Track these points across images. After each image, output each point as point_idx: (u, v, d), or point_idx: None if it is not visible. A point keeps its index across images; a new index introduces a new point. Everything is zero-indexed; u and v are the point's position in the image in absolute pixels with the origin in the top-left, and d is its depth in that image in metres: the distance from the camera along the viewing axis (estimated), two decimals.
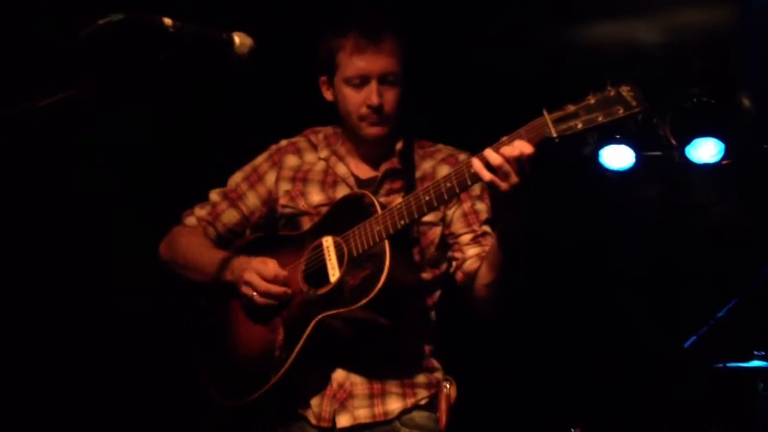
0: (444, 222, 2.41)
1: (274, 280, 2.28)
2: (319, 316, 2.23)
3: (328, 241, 2.27)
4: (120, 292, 3.74)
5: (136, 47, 1.72)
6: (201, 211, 2.57)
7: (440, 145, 2.55)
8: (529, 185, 2.01)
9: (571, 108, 1.96)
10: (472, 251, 2.35)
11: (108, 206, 3.73)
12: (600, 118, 1.94)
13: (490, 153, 1.99)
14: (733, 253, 4.73)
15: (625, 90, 1.94)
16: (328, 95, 2.48)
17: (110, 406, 3.69)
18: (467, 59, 4.57)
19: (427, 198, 2.13)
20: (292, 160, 2.53)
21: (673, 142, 4.97)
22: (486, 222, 2.40)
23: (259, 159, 2.57)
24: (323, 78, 2.47)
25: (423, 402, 2.36)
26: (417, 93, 2.49)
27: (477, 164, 2.02)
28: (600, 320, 5.04)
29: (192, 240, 2.52)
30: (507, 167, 1.97)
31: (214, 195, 2.57)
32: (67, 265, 3.60)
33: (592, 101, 1.95)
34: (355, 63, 2.35)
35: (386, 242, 2.17)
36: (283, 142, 2.58)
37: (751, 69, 4.60)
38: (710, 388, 4.36)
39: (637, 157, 5.03)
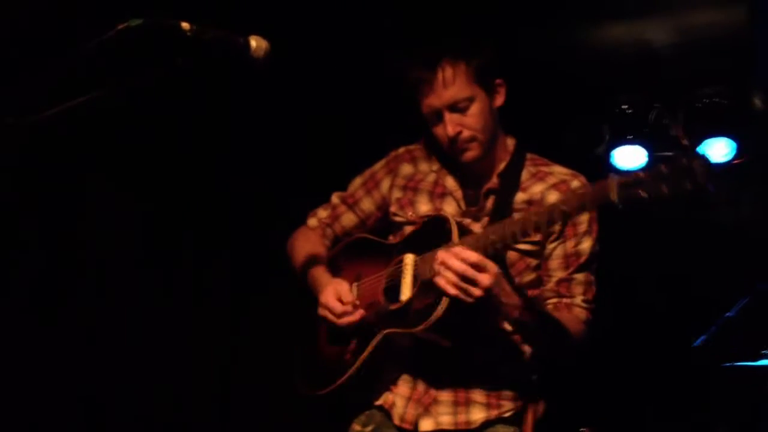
0: (543, 254, 2.39)
1: (345, 312, 2.36)
2: (385, 331, 2.31)
3: (409, 259, 2.31)
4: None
5: (155, 51, 1.76)
6: (323, 213, 2.69)
7: (555, 167, 2.50)
8: (490, 298, 2.07)
9: (640, 175, 1.95)
10: (550, 301, 2.39)
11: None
12: (665, 190, 1.90)
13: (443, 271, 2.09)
14: (744, 252, 4.74)
15: (698, 164, 1.88)
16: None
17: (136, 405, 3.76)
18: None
19: (492, 237, 2.14)
20: (406, 169, 2.58)
21: (686, 142, 4.98)
22: (582, 267, 2.39)
23: (378, 165, 2.65)
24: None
25: (507, 415, 2.35)
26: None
27: (441, 281, 2.10)
28: (610, 319, 5.05)
29: (305, 244, 2.64)
30: (462, 284, 2.06)
31: (335, 198, 2.69)
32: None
33: (664, 170, 1.92)
34: (424, 101, 2.39)
35: None
36: (402, 149, 2.64)
37: (762, 69, 4.60)
38: (719, 387, 4.37)
39: (649, 157, 5.04)
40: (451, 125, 2.34)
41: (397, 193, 2.55)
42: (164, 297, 3.88)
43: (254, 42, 1.92)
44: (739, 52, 4.54)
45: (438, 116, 2.37)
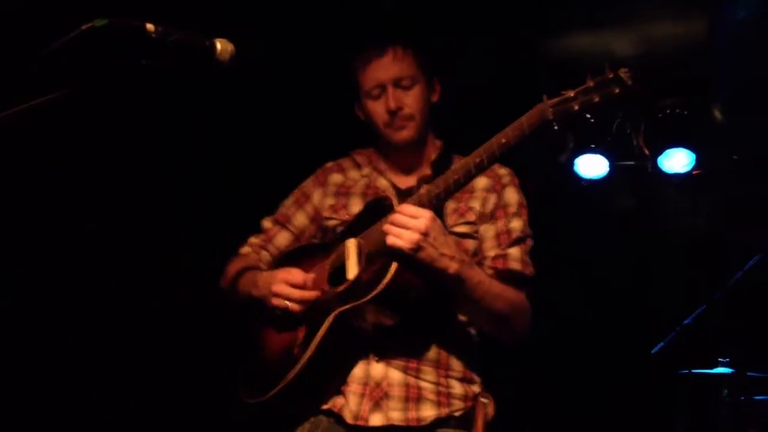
0: (477, 237, 2.42)
1: (304, 286, 2.33)
2: (335, 312, 2.27)
3: (350, 242, 2.31)
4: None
5: (119, 53, 1.76)
6: (255, 239, 2.67)
7: None
8: (423, 248, 2.09)
9: (570, 93, 2.03)
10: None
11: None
12: (596, 99, 2.00)
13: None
14: (702, 262, 4.81)
15: (623, 71, 1.99)
16: (362, 116, 2.59)
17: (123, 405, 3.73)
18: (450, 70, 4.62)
19: (436, 191, 2.17)
20: (336, 178, 2.63)
21: (646, 152, 5.05)
22: (515, 242, 2.41)
23: (307, 182, 2.68)
24: (356, 103, 2.59)
25: (458, 414, 2.34)
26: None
27: (387, 226, 2.13)
28: (569, 326, 5.11)
29: (238, 266, 2.59)
30: (394, 230, 2.10)
31: (266, 222, 2.67)
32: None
33: (591, 84, 2.01)
34: (370, 74, 2.47)
35: None
36: (329, 164, 2.69)
37: (721, 81, 4.69)
38: (676, 393, 4.44)
39: (611, 166, 5.12)
40: (393, 99, 2.44)
41: (329, 200, 2.58)
42: (160, 297, 3.84)
43: (220, 45, 1.92)
44: (698, 64, 4.62)
45: (381, 90, 2.46)
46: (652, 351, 4.22)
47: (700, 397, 4.22)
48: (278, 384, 2.32)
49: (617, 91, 1.99)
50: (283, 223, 2.64)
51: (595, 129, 5.08)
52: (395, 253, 2.14)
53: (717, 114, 4.92)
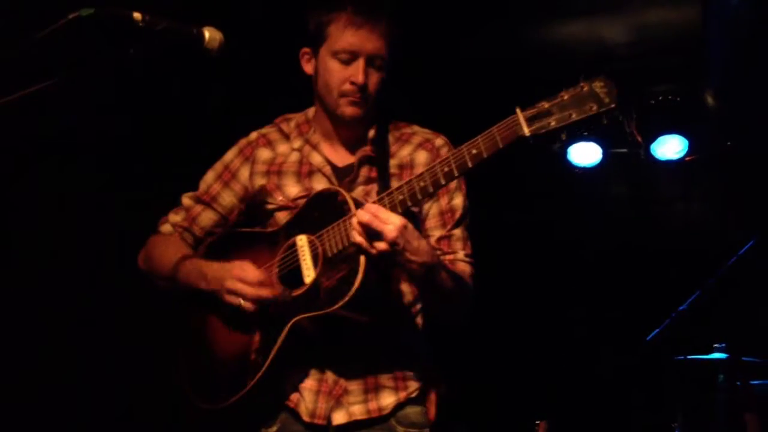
0: (420, 216, 2.38)
1: (259, 284, 2.22)
2: (295, 319, 2.18)
3: (302, 241, 2.21)
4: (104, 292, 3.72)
5: (106, 41, 1.74)
6: (176, 217, 2.50)
7: (416, 127, 2.49)
8: (399, 251, 2.04)
9: (544, 105, 1.93)
10: None
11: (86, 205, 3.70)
12: (574, 116, 1.91)
13: (361, 213, 2.04)
14: (696, 247, 4.82)
15: (598, 86, 1.91)
16: (308, 68, 2.41)
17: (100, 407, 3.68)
18: (441, 56, 4.62)
19: (401, 197, 2.09)
20: (264, 153, 2.45)
21: (639, 139, 5.06)
22: (458, 223, 2.38)
23: (230, 155, 2.49)
24: (306, 50, 2.40)
25: (414, 395, 2.34)
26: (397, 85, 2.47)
27: (353, 234, 2.06)
28: (564, 313, 5.12)
29: (166, 249, 2.45)
30: (371, 230, 2.02)
31: (186, 199, 2.51)
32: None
33: (566, 97, 1.92)
34: (348, 37, 2.29)
35: None
36: (253, 135, 2.50)
37: (713, 67, 4.69)
38: (672, 379, 4.44)
39: (604, 153, 5.12)
40: (362, 74, 2.29)
41: (260, 180, 2.42)
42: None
43: (208, 33, 1.90)
44: (690, 50, 4.62)
45: (352, 57, 2.30)
46: (647, 338, 4.21)
47: (696, 383, 4.22)
48: (237, 391, 2.25)
49: (594, 108, 1.89)
50: (207, 202, 2.47)
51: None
52: (366, 256, 2.07)
53: (709, 100, 4.92)
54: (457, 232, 2.38)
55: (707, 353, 4.10)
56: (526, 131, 1.93)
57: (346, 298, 2.08)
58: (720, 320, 4.41)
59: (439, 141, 2.42)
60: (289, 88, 2.60)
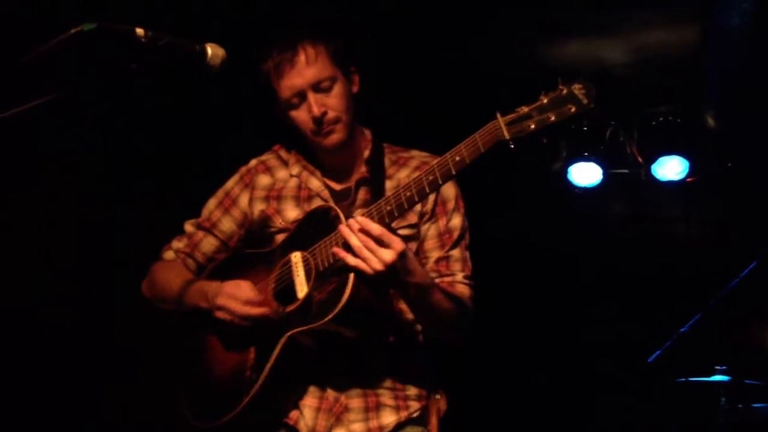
0: (419, 237, 2.39)
1: (250, 302, 2.24)
2: (288, 334, 2.19)
3: (296, 257, 2.22)
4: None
5: (109, 56, 1.73)
6: (178, 244, 2.54)
7: (414, 151, 2.50)
8: (392, 271, 2.04)
9: (524, 109, 1.96)
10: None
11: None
12: (552, 118, 1.94)
13: (347, 233, 2.05)
14: (697, 269, 4.81)
15: (576, 88, 1.94)
16: (286, 121, 2.42)
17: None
18: (439, 74, 4.62)
19: (388, 208, 2.10)
20: (263, 180, 2.49)
21: (640, 159, 5.06)
22: (456, 243, 2.39)
23: (230, 183, 2.54)
24: (276, 107, 2.42)
25: (415, 415, 2.34)
26: (384, 96, 2.46)
27: (341, 252, 2.07)
28: (565, 335, 5.09)
29: (169, 274, 2.48)
30: (365, 253, 2.03)
31: (189, 226, 2.55)
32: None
33: (545, 101, 1.95)
34: (284, 83, 2.31)
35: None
36: (253, 162, 2.54)
37: (713, 88, 4.69)
38: (673, 402, 4.42)
39: (604, 174, 5.11)
40: (316, 105, 2.29)
41: (259, 206, 2.45)
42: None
43: (211, 49, 1.90)
44: (691, 71, 4.63)
45: (300, 98, 2.31)
46: (649, 359, 4.19)
47: (697, 405, 4.20)
48: (232, 409, 2.25)
49: (573, 110, 1.93)
50: (208, 229, 2.51)
51: (588, 137, 5.09)
52: (356, 273, 2.07)
53: (710, 121, 4.92)
54: (456, 252, 2.39)
55: (709, 375, 4.08)
56: (506, 135, 1.96)
57: (336, 310, 2.09)
58: (722, 342, 4.40)
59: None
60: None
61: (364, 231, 2.05)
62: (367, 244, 2.03)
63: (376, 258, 2.03)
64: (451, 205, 2.40)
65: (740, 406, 3.96)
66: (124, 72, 1.76)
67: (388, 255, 2.03)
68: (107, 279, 3.69)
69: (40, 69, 1.61)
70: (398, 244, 2.05)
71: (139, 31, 1.76)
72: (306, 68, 2.29)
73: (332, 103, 2.32)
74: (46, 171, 3.48)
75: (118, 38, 1.74)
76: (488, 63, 4.67)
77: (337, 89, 2.33)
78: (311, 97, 2.30)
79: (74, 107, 1.70)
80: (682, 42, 4.52)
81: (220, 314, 2.26)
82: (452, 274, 2.36)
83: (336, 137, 2.34)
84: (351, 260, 2.05)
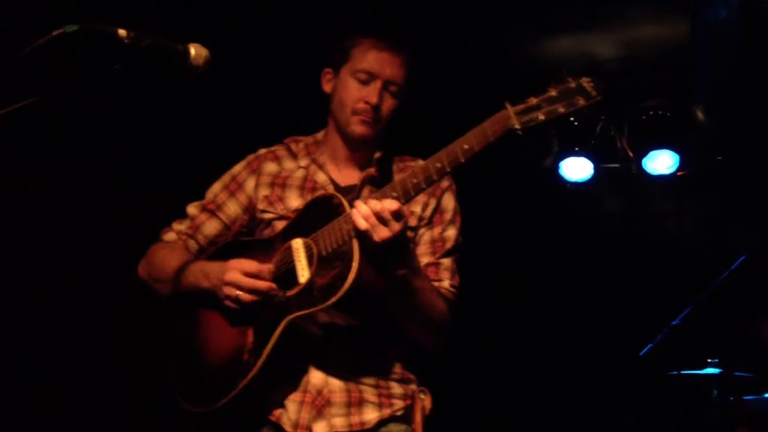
0: (414, 241, 2.40)
1: (258, 275, 2.25)
2: (289, 317, 2.20)
3: (297, 243, 2.23)
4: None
5: (91, 58, 1.74)
6: (180, 226, 2.54)
7: (421, 161, 2.47)
8: (399, 243, 2.08)
9: (533, 100, 2.00)
10: None
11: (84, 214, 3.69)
12: (561, 109, 1.98)
13: (359, 204, 2.08)
14: (688, 262, 4.82)
15: (585, 81, 1.99)
16: (328, 87, 2.49)
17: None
18: (429, 71, 4.62)
19: (394, 195, 2.12)
20: (270, 167, 2.51)
21: (630, 154, 5.07)
22: (448, 253, 2.41)
23: (238, 167, 2.55)
24: (328, 70, 2.49)
25: (399, 413, 2.34)
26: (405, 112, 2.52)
27: (354, 213, 2.09)
28: (557, 329, 5.11)
29: (169, 253, 2.48)
30: (373, 220, 2.05)
31: (192, 208, 2.55)
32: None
33: (554, 93, 2.00)
34: (369, 59, 2.39)
35: (354, 241, 2.14)
36: (262, 151, 2.56)
37: (703, 82, 4.70)
38: (665, 394, 4.43)
39: (595, 168, 5.12)
40: (377, 96, 2.38)
41: (264, 191, 2.47)
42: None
43: (194, 50, 1.90)
44: (681, 65, 4.64)
45: (370, 78, 2.39)
46: (641, 353, 4.21)
47: (689, 397, 4.22)
48: (228, 393, 2.24)
49: (582, 102, 1.98)
50: (212, 211, 2.52)
51: (579, 132, 5.10)
52: (362, 247, 2.10)
53: (700, 115, 4.94)
54: (446, 261, 2.41)
55: (700, 368, 4.10)
56: (517, 124, 2.00)
57: (339, 293, 2.10)
58: (713, 335, 4.41)
59: (445, 182, 2.47)
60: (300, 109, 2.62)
61: (382, 204, 2.08)
62: (381, 213, 2.06)
63: (384, 227, 2.06)
64: (448, 216, 2.44)
65: (731, 398, 3.98)
66: (107, 73, 1.77)
67: (396, 225, 2.06)
68: (101, 274, 3.69)
69: (23, 72, 1.62)
70: (404, 217, 2.09)
71: (122, 32, 1.76)
72: (397, 65, 2.40)
73: (388, 105, 2.41)
74: (37, 172, 3.49)
75: (100, 39, 1.74)
76: (477, 61, 4.68)
77: (398, 100, 2.43)
78: (378, 86, 2.38)
79: (58, 109, 1.70)
80: (671, 36, 4.53)
81: (227, 289, 2.25)
82: (440, 280, 2.38)
83: (367, 130, 2.41)
84: (362, 224, 2.06)
